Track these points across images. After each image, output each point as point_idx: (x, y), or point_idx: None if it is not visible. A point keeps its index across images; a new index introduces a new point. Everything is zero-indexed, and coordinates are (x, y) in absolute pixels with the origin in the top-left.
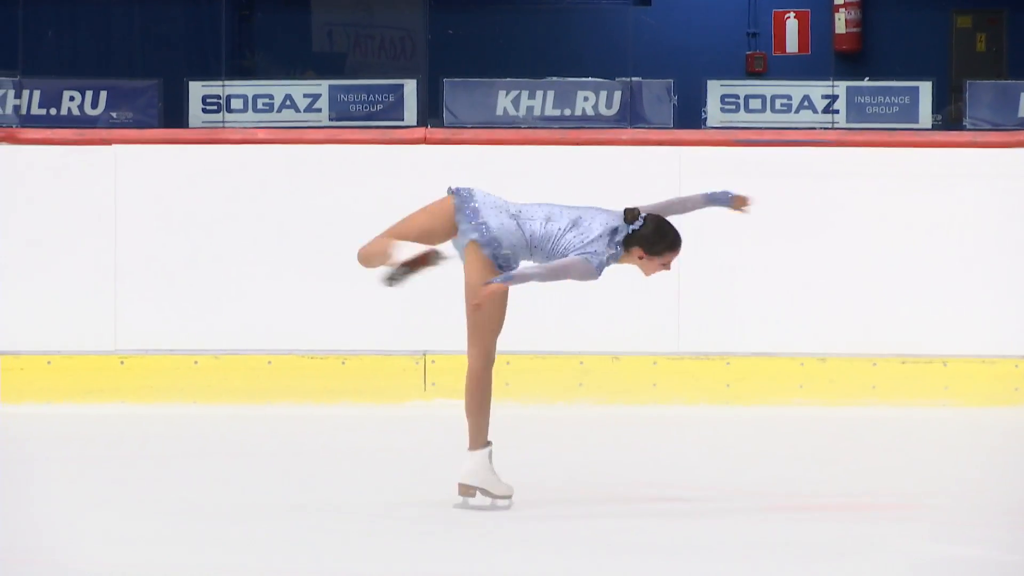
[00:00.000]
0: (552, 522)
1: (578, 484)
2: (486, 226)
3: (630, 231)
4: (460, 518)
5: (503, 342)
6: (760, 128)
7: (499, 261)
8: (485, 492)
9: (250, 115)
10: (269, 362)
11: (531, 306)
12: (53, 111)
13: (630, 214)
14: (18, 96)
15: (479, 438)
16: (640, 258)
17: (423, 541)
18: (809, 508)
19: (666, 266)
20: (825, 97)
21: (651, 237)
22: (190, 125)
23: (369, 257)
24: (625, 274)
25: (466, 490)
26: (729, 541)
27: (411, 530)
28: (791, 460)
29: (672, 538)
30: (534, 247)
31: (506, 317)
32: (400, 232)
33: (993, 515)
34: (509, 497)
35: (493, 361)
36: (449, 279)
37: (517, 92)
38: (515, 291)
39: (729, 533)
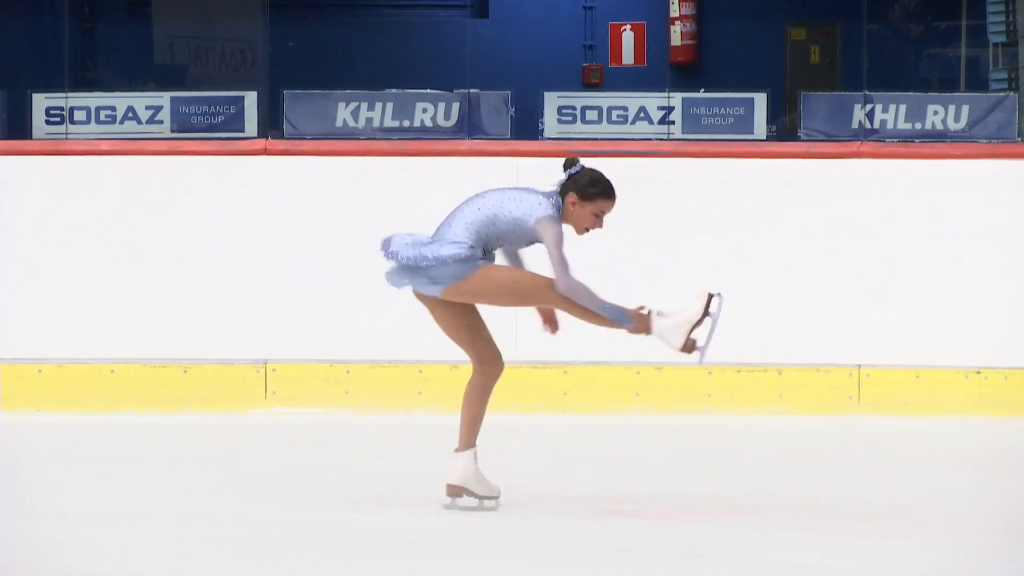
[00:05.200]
0: (389, 530)
1: (415, 490)
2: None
3: (568, 176)
4: (299, 524)
5: (342, 351)
6: (597, 139)
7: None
8: (470, 493)
9: (93, 127)
10: (112, 371)
11: (372, 315)
12: None
13: (569, 161)
14: None
15: (469, 440)
16: (573, 204)
17: (267, 546)
18: (647, 515)
19: (598, 219)
20: (661, 108)
21: (586, 181)
22: (34, 136)
23: None
24: None
25: (455, 491)
26: (569, 545)
27: (259, 535)
28: (628, 468)
29: (511, 542)
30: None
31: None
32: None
33: (825, 521)
34: (496, 498)
35: (486, 363)
36: (287, 287)
37: (356, 103)
38: (355, 301)
39: (570, 537)
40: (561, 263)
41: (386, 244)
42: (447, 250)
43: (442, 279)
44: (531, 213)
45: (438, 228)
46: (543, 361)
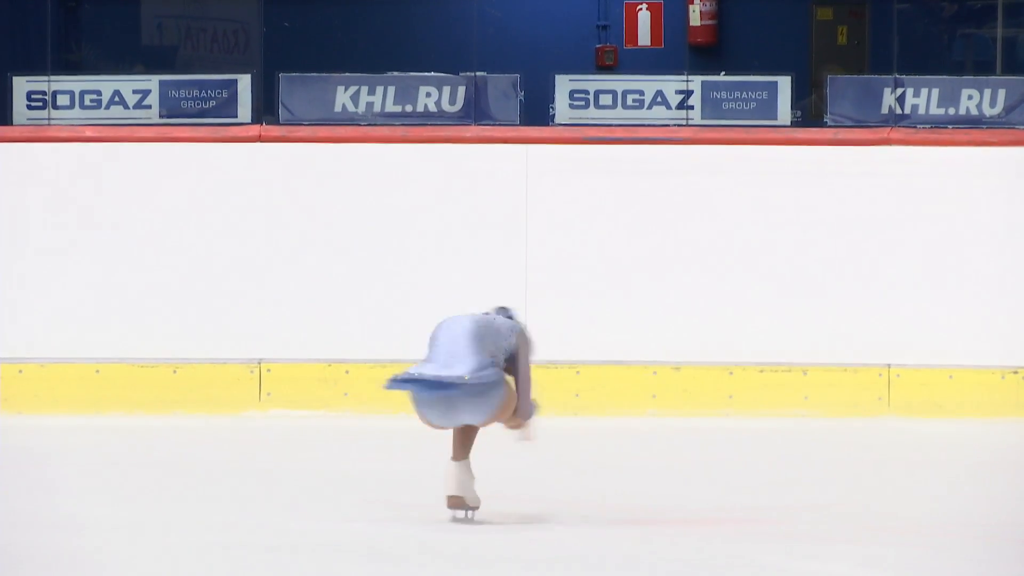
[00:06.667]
0: (390, 539)
1: (418, 497)
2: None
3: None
4: (296, 532)
5: (341, 350)
6: (611, 125)
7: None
8: (468, 505)
9: (77, 112)
10: (97, 371)
11: (372, 312)
12: None
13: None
14: None
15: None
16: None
17: (261, 555)
18: (663, 522)
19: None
20: (679, 92)
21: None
22: (14, 122)
23: None
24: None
25: (459, 502)
26: (582, 554)
27: (253, 543)
28: (643, 473)
29: (520, 551)
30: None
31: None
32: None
33: (853, 530)
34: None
35: None
36: (283, 282)
37: (356, 87)
38: (355, 296)
39: (582, 545)
40: (530, 382)
41: (402, 377)
42: (484, 372)
43: (486, 406)
44: (512, 327)
45: (436, 353)
46: (554, 361)
